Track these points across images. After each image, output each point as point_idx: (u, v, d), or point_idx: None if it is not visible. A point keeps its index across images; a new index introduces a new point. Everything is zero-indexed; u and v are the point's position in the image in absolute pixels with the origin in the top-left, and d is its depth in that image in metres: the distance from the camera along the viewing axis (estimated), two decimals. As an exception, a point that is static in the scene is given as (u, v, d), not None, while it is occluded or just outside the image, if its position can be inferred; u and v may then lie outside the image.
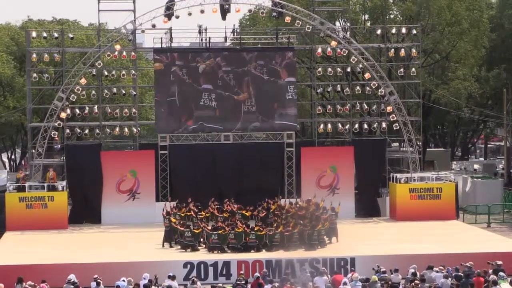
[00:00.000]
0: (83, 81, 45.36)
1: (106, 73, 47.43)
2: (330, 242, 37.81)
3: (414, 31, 48.47)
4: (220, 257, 34.62)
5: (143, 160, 45.82)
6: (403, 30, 48.82)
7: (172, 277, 29.40)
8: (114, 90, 47.80)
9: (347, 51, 46.93)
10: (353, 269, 32.84)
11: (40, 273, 31.14)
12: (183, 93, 46.27)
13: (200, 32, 47.20)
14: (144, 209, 44.76)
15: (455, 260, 31.99)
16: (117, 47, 45.77)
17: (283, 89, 46.64)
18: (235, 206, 41.59)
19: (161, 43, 46.63)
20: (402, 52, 47.87)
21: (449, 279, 28.70)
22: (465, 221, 46.90)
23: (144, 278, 29.15)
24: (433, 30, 58.59)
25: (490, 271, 28.82)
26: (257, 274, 30.17)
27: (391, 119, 46.39)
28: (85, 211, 45.90)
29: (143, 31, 46.33)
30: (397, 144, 56.84)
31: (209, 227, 37.14)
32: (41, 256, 35.79)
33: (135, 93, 48.14)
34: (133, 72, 48.09)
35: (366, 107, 48.17)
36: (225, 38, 49.11)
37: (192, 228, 37.33)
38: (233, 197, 43.21)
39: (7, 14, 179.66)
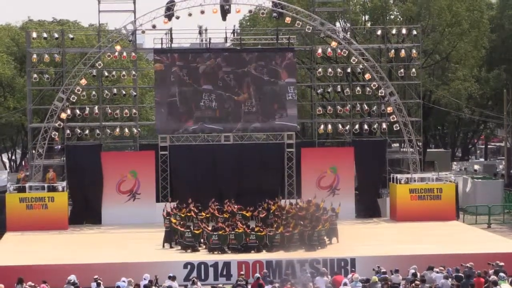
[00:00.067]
0: (83, 81, 45.37)
1: (106, 73, 47.45)
2: (331, 242, 37.80)
3: (414, 32, 48.46)
4: (220, 257, 34.61)
5: (144, 161, 45.83)
6: (404, 31, 48.82)
7: (173, 278, 29.40)
8: (115, 90, 47.81)
9: (347, 52, 46.94)
10: (353, 269, 32.81)
11: (40, 273, 31.10)
12: (183, 93, 46.28)
13: (200, 33, 47.22)
14: (144, 210, 44.76)
15: (456, 260, 31.99)
16: (118, 47, 45.77)
17: (283, 89, 46.65)
18: (235, 206, 41.58)
19: (162, 43, 46.63)
20: (403, 53, 47.85)
21: (450, 279, 28.72)
22: (465, 221, 46.88)
23: (145, 279, 29.16)
24: (433, 30, 58.62)
25: (491, 271, 28.83)
26: (257, 274, 30.17)
27: (392, 120, 46.38)
28: (86, 211, 45.90)
29: (143, 32, 46.30)
30: (397, 144, 56.90)
31: (210, 228, 37.13)
32: (42, 256, 35.78)
33: (135, 93, 48.15)
34: (134, 72, 48.09)
35: (366, 107, 48.17)
36: (226, 38, 49.12)
37: (192, 228, 37.32)
38: (233, 197, 43.21)
39: (7, 14, 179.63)
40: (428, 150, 65.89)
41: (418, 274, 28.98)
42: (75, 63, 53.02)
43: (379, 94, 46.84)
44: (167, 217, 38.50)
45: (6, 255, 36.43)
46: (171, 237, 37.70)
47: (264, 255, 34.95)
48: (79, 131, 46.97)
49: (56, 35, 49.05)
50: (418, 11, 57.97)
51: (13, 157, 69.68)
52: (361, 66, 46.63)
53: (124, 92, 48.60)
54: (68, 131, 46.37)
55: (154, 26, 45.42)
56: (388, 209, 46.23)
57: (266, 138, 47.92)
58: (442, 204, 45.02)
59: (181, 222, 38.07)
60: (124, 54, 47.09)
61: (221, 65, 46.57)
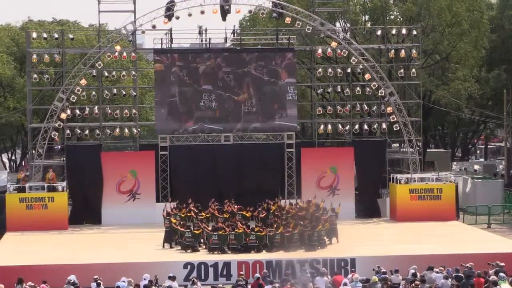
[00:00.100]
0: (83, 81, 45.37)
1: (106, 74, 47.47)
2: (331, 242, 37.80)
3: (414, 32, 48.45)
4: (220, 257, 34.61)
5: (143, 161, 45.83)
6: (403, 31, 48.82)
7: (172, 278, 29.41)
8: (114, 91, 47.82)
9: (347, 52, 46.94)
10: (353, 269, 32.81)
11: (40, 273, 31.10)
12: (183, 94, 46.29)
13: (200, 33, 47.23)
14: (144, 210, 44.77)
15: (456, 260, 31.99)
16: (117, 48, 45.77)
17: (283, 90, 46.66)
18: (235, 206, 41.58)
19: (161, 44, 46.63)
20: (402, 53, 47.85)
21: (450, 279, 28.72)
22: (465, 221, 46.88)
23: (145, 279, 29.17)
24: (433, 31, 58.62)
25: (491, 271, 28.83)
26: (257, 274, 30.18)
27: (391, 120, 46.38)
28: (85, 211, 45.90)
29: (143, 32, 46.29)
30: (397, 144, 56.95)
31: (210, 228, 37.13)
32: (41, 256, 35.78)
33: (135, 94, 48.16)
34: (133, 73, 48.09)
35: (366, 108, 48.17)
36: (225, 39, 49.12)
37: (192, 228, 37.32)
38: (233, 197, 43.21)
39: (7, 14, 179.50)
40: (428, 150, 65.91)
41: (418, 274, 28.98)
42: (75, 63, 53.00)
43: (379, 94, 46.84)
44: (167, 217, 38.50)
45: (6, 255, 36.43)
46: (171, 237, 37.69)
47: (264, 255, 34.94)
48: (79, 131, 46.96)
49: (56, 35, 49.05)
50: (418, 11, 57.98)
51: (13, 157, 69.69)
52: (361, 66, 46.62)
53: (124, 92, 48.62)
54: (68, 131, 46.37)
55: (154, 26, 45.41)
56: (388, 209, 46.23)
57: (266, 138, 47.92)
58: (442, 204, 45.02)
59: (181, 222, 38.07)
60: (124, 54, 47.09)
61: (221, 65, 46.57)
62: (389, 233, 41.53)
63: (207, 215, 40.62)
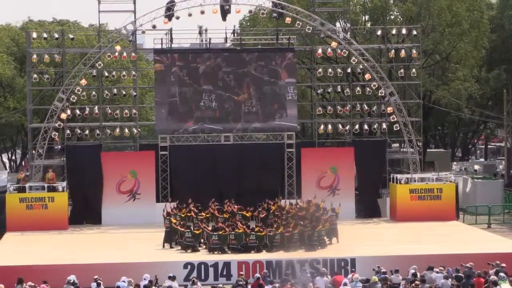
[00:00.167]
0: (83, 82, 45.37)
1: (106, 74, 47.47)
2: (331, 242, 37.80)
3: (415, 32, 48.45)
4: (220, 257, 34.61)
5: (144, 161, 45.83)
6: (404, 31, 48.82)
7: (173, 278, 29.41)
8: (115, 91, 47.83)
9: (347, 52, 46.94)
10: (353, 269, 32.80)
11: (41, 273, 31.09)
12: (183, 94, 46.29)
13: (200, 33, 47.24)
14: (145, 210, 44.77)
15: (456, 260, 31.99)
16: (118, 48, 45.77)
17: (283, 90, 46.66)
18: (236, 206, 41.58)
19: (162, 44, 46.63)
20: (403, 53, 47.85)
21: (450, 279, 28.71)
22: (465, 221, 46.88)
23: (145, 279, 29.17)
24: (434, 31, 58.63)
25: (491, 271, 28.84)
26: (257, 274, 30.18)
27: (392, 120, 46.38)
28: (86, 211, 45.89)
29: (143, 32, 46.29)
30: (397, 145, 56.94)
31: (210, 228, 37.13)
32: (42, 256, 35.78)
33: (135, 94, 48.16)
34: (134, 73, 48.09)
35: (366, 108, 48.17)
36: (226, 39, 49.12)
37: (192, 228, 37.33)
38: (234, 197, 43.21)
39: (7, 14, 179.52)
40: (428, 150, 65.90)
41: (418, 274, 28.98)
42: (75, 63, 53.01)
43: (379, 94, 46.84)
44: (167, 217, 38.50)
45: (6, 255, 36.43)
46: (171, 237, 37.69)
47: (264, 255, 34.94)
48: (79, 131, 46.97)
49: (56, 35, 49.05)
50: (418, 11, 57.98)
51: (13, 157, 69.69)
52: (361, 66, 46.62)
53: (124, 92, 48.62)
54: (68, 131, 46.37)
55: (154, 26, 45.41)
56: (388, 209, 46.23)
57: (266, 138, 47.93)
58: (442, 204, 45.02)
59: (181, 222, 38.07)
60: (124, 54, 47.09)
61: (221, 65, 46.57)
62: (389, 233, 41.53)
63: (207, 215, 40.62)
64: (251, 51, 47.51)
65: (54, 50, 48.34)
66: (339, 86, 49.10)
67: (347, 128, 47.80)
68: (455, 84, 58.96)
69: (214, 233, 36.05)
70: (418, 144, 47.21)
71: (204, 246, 36.62)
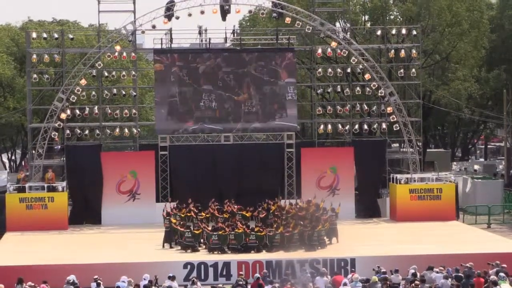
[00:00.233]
0: (83, 82, 45.37)
1: (106, 74, 47.46)
2: (330, 242, 37.80)
3: (414, 32, 48.45)
4: (220, 257, 34.62)
5: (143, 161, 45.83)
6: (403, 31, 48.81)
7: (172, 278, 29.42)
8: (114, 91, 47.83)
9: (347, 52, 46.94)
10: (353, 269, 32.81)
11: (40, 273, 31.10)
12: (183, 94, 46.29)
13: (200, 33, 47.23)
14: (144, 210, 44.77)
15: (455, 260, 31.99)
16: (117, 48, 45.76)
17: (283, 90, 46.66)
18: (235, 206, 41.58)
19: (161, 44, 46.63)
20: (402, 53, 47.85)
21: (449, 279, 28.72)
22: (465, 221, 46.89)
23: (144, 279, 29.18)
24: (433, 31, 58.62)
25: (491, 271, 28.84)
26: (257, 274, 30.19)
27: (391, 120, 46.37)
28: (85, 211, 45.89)
29: (143, 32, 46.28)
30: (397, 144, 56.95)
31: (209, 228, 37.13)
32: (41, 256, 35.78)
33: (135, 94, 48.16)
34: (133, 73, 48.09)
35: (366, 107, 48.17)
36: (225, 39, 49.12)
37: (192, 228, 37.32)
38: (233, 197, 43.21)
39: (7, 14, 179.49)
40: (428, 150, 65.92)
41: (418, 274, 28.99)
42: (75, 63, 53.01)
43: (379, 94, 46.84)
44: (167, 217, 38.49)
45: (6, 255, 36.43)
46: (171, 237, 37.70)
47: (264, 255, 34.94)
48: (79, 131, 46.96)
49: (56, 35, 49.04)
50: (418, 11, 57.98)
51: (13, 157, 69.70)
52: (361, 66, 46.62)
53: (124, 92, 48.62)
54: (68, 131, 46.36)
55: (154, 26, 45.41)
56: (388, 209, 46.23)
57: (266, 138, 47.93)
58: (442, 204, 45.02)
59: (181, 222, 38.07)
60: (124, 54, 47.10)
61: (221, 65, 46.57)
62: (389, 233, 41.54)
63: (207, 215, 40.62)
64: (251, 51, 47.51)
65: (54, 50, 48.33)
66: (339, 86, 49.09)
67: (347, 128, 47.80)
68: (455, 84, 58.97)
69: (214, 233, 36.06)
70: (418, 144, 47.20)
71: (204, 246, 36.62)
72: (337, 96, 54.17)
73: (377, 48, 49.92)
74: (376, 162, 47.11)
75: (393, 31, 48.93)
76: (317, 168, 46.14)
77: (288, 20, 46.09)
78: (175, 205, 41.34)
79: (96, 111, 46.76)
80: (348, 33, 50.86)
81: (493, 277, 27.34)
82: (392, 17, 60.63)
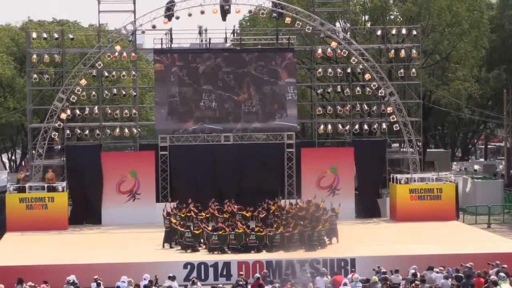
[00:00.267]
0: (83, 82, 45.36)
1: (106, 74, 47.46)
2: (331, 242, 37.79)
3: (414, 32, 48.45)
4: (220, 257, 34.61)
5: (143, 161, 45.83)
6: (403, 31, 48.81)
7: (172, 278, 29.41)
8: (114, 91, 47.82)
9: (347, 52, 46.93)
10: (353, 269, 32.81)
11: (41, 273, 31.09)
12: (183, 94, 46.29)
13: (200, 33, 47.23)
14: (144, 210, 44.77)
15: (456, 260, 31.99)
16: (117, 48, 45.76)
17: (283, 90, 46.66)
18: (235, 206, 41.58)
19: (161, 44, 46.62)
20: (402, 53, 47.84)
21: (450, 279, 28.71)
22: (465, 221, 46.89)
23: (145, 279, 29.17)
24: (433, 31, 58.63)
25: (491, 271, 28.84)
26: (257, 274, 30.19)
27: (391, 120, 46.37)
28: (85, 211, 45.89)
29: (143, 32, 46.28)
30: (397, 144, 56.95)
31: (209, 228, 37.13)
32: (42, 256, 35.78)
33: (135, 94, 48.16)
34: (133, 73, 48.09)
35: (366, 108, 48.16)
36: (225, 39, 49.12)
37: (192, 228, 37.32)
38: (233, 197, 43.21)
39: (7, 14, 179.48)
40: (428, 150, 65.92)
41: (418, 274, 28.98)
42: (75, 63, 53.01)
43: (379, 94, 46.83)
44: (167, 217, 38.49)
45: (6, 255, 36.43)
46: (171, 237, 37.69)
47: (264, 255, 34.94)
48: (79, 131, 46.96)
49: (56, 35, 49.04)
50: (418, 11, 57.98)
51: (13, 157, 69.70)
52: (361, 66, 46.61)
53: (124, 92, 48.62)
54: (68, 131, 46.36)
55: (154, 26, 45.41)
56: (388, 209, 46.23)
57: (266, 138, 47.93)
58: (442, 204, 45.01)
59: (181, 222, 38.07)
60: (124, 54, 47.09)
61: (221, 65, 46.57)
62: (389, 233, 41.53)
63: (207, 215, 40.62)
64: (251, 51, 47.50)
65: (54, 50, 48.33)
66: (339, 86, 49.08)
67: (347, 128, 47.79)
68: (455, 84, 58.97)
69: (214, 233, 36.05)
70: (418, 144, 47.20)
71: (204, 246, 36.62)
72: (337, 96, 54.17)
73: (377, 48, 49.92)
74: (376, 162, 47.11)
75: (393, 31, 48.92)
76: (317, 168, 46.14)
77: (288, 20, 46.09)
78: (175, 205, 41.34)
79: (96, 111, 46.75)
80: (348, 33, 50.86)
81: (493, 277, 27.34)
82: (392, 17, 60.64)
